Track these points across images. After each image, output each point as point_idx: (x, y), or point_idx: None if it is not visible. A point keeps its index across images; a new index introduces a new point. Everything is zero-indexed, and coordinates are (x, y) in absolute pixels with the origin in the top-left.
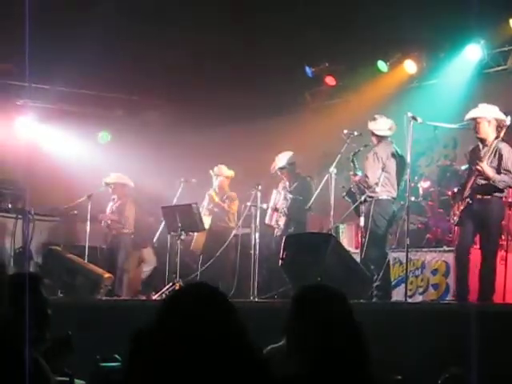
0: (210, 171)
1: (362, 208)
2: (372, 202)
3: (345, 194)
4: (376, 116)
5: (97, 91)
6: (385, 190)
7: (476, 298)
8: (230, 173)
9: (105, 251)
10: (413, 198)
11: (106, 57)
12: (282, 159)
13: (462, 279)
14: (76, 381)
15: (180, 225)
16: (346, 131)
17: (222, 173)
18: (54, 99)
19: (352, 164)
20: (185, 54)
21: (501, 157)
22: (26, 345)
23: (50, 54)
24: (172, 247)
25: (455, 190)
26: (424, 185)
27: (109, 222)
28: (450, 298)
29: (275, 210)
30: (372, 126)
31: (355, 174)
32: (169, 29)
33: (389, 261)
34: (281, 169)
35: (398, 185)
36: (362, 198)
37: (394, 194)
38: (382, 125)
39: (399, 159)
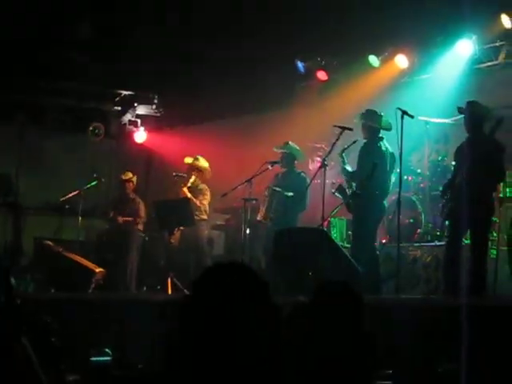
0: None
1: (354, 203)
2: (363, 197)
3: (335, 190)
4: (367, 109)
5: (89, 84)
6: (375, 185)
7: (467, 293)
8: (206, 165)
9: (110, 243)
10: (404, 193)
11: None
12: (290, 147)
13: (453, 274)
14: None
15: (173, 220)
16: (337, 125)
17: (199, 165)
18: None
19: (341, 159)
20: (173, 47)
21: (492, 152)
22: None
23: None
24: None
25: (444, 185)
26: (415, 180)
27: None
28: (440, 292)
29: (268, 206)
30: (365, 118)
31: (344, 170)
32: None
33: (378, 255)
34: (286, 154)
35: (388, 181)
36: (353, 192)
37: (385, 190)
38: (375, 118)
39: (389, 155)
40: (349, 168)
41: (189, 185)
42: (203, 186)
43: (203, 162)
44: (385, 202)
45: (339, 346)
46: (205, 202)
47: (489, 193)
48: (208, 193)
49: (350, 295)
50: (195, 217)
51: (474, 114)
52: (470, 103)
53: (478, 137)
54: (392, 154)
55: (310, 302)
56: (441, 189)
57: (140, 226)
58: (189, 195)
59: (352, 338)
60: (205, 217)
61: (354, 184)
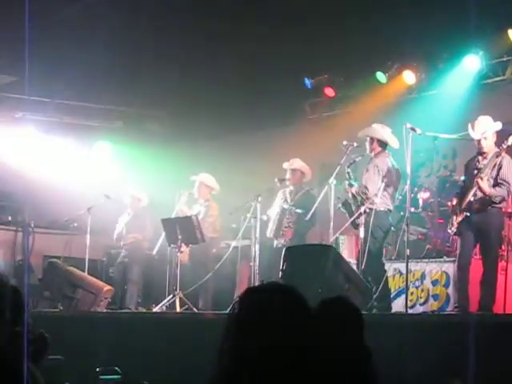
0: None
1: (362, 219)
2: (371, 213)
3: (340, 205)
4: (374, 125)
5: (96, 103)
6: (383, 201)
7: (476, 308)
8: (214, 184)
9: (118, 265)
10: (412, 209)
11: (105, 68)
12: (298, 163)
13: (463, 290)
14: None
15: (180, 237)
16: (345, 142)
17: (205, 183)
18: (53, 111)
19: (347, 175)
20: (183, 66)
21: (500, 168)
22: (24, 358)
23: (50, 67)
24: (171, 259)
25: (454, 200)
26: (424, 195)
27: (130, 240)
28: (450, 308)
29: (279, 223)
30: (375, 132)
31: (351, 185)
32: (167, 41)
33: (386, 272)
34: (294, 170)
35: (394, 197)
36: (362, 210)
37: (391, 207)
38: (385, 132)
39: (396, 172)
40: (355, 183)
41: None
42: (209, 203)
43: (207, 179)
44: (390, 218)
45: (340, 359)
46: (211, 219)
47: (499, 207)
48: (214, 209)
49: (348, 311)
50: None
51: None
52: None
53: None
54: (397, 170)
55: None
56: (454, 201)
57: (146, 244)
58: (194, 212)
59: (352, 350)
60: (213, 235)
61: (359, 199)
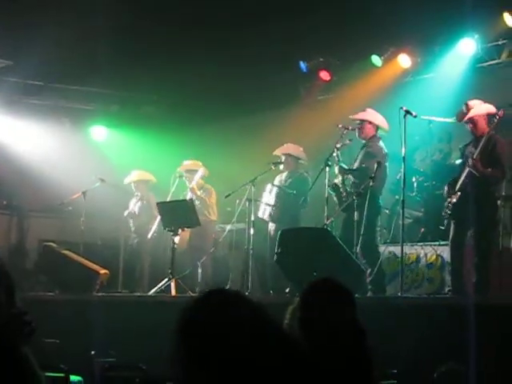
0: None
1: (355, 202)
2: (366, 196)
3: (329, 188)
4: (369, 109)
5: (91, 87)
6: (377, 184)
7: (471, 291)
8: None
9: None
10: (407, 193)
11: (101, 53)
12: (293, 148)
13: (457, 273)
14: (72, 376)
15: (176, 220)
16: (340, 125)
17: (200, 166)
18: (48, 95)
19: (336, 158)
20: (177, 50)
21: (494, 149)
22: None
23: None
24: (166, 243)
25: (448, 183)
26: (419, 179)
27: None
28: (445, 291)
29: (269, 204)
30: (370, 116)
31: (341, 168)
32: (164, 26)
33: (380, 254)
34: (288, 155)
35: (385, 180)
36: (356, 192)
37: (382, 190)
38: (379, 116)
39: (386, 155)
40: (345, 166)
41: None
42: (208, 186)
43: (194, 165)
44: (381, 201)
45: (333, 341)
46: (212, 200)
47: (493, 191)
48: (213, 193)
49: (339, 291)
50: (204, 217)
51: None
52: (466, 104)
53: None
54: (386, 154)
55: (299, 300)
56: (445, 187)
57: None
58: (198, 193)
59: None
60: (213, 217)
61: (348, 182)
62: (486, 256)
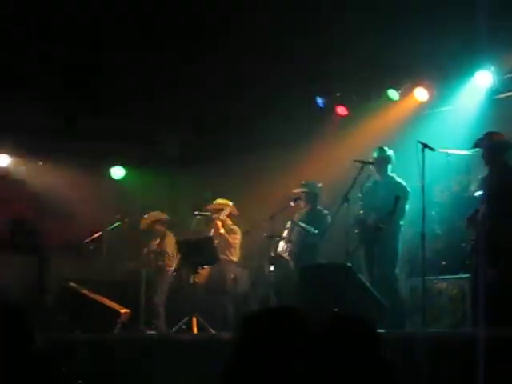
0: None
1: (375, 236)
2: (386, 230)
3: (353, 223)
4: (386, 148)
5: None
6: (397, 219)
7: (494, 325)
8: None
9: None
10: (427, 226)
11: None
12: (312, 186)
13: (480, 306)
14: None
15: (196, 258)
16: (357, 160)
17: (227, 204)
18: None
19: (360, 194)
20: (192, 85)
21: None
22: None
23: None
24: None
25: (468, 217)
26: (438, 211)
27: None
28: (467, 325)
29: (289, 241)
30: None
31: (363, 209)
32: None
33: (399, 288)
34: (306, 193)
35: (405, 213)
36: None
37: (401, 223)
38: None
39: (407, 190)
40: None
41: (222, 218)
42: (234, 227)
43: (224, 202)
44: (399, 235)
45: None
46: (237, 241)
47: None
48: (239, 234)
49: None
50: (225, 257)
51: (491, 146)
52: (486, 135)
53: (498, 168)
54: (405, 188)
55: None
56: (469, 216)
57: (169, 262)
58: (222, 230)
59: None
60: (234, 258)
61: (370, 217)
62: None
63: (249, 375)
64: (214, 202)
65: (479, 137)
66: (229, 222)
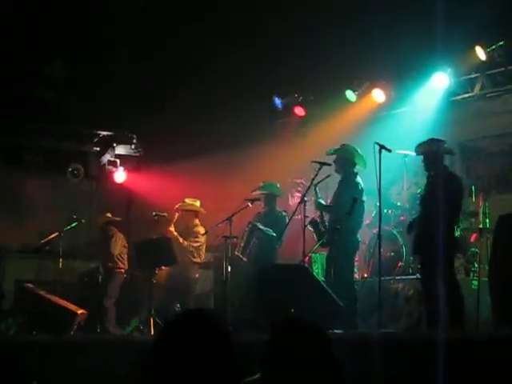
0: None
1: (333, 237)
2: (342, 231)
3: (308, 224)
4: (343, 144)
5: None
6: (354, 220)
7: (447, 325)
8: (195, 205)
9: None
10: (384, 227)
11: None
12: (269, 186)
13: (433, 307)
14: None
15: (153, 259)
16: (316, 161)
17: (184, 206)
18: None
19: (314, 192)
20: (150, 86)
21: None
22: None
23: None
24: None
25: (410, 222)
26: (395, 213)
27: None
28: (422, 326)
29: (247, 242)
30: (347, 152)
31: (319, 204)
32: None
33: (356, 289)
34: (265, 194)
35: (363, 215)
36: (332, 227)
37: (361, 225)
38: (356, 152)
39: (363, 191)
40: (323, 202)
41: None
42: (197, 229)
43: (191, 203)
44: (358, 236)
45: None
46: (195, 244)
47: (448, 229)
48: (201, 235)
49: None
50: (187, 258)
51: (430, 152)
52: (427, 141)
53: (438, 173)
54: (363, 190)
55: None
56: (408, 224)
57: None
58: (175, 234)
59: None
60: (197, 260)
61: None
62: (458, 290)
63: (160, 379)
64: (183, 202)
65: (419, 143)
66: (194, 222)
